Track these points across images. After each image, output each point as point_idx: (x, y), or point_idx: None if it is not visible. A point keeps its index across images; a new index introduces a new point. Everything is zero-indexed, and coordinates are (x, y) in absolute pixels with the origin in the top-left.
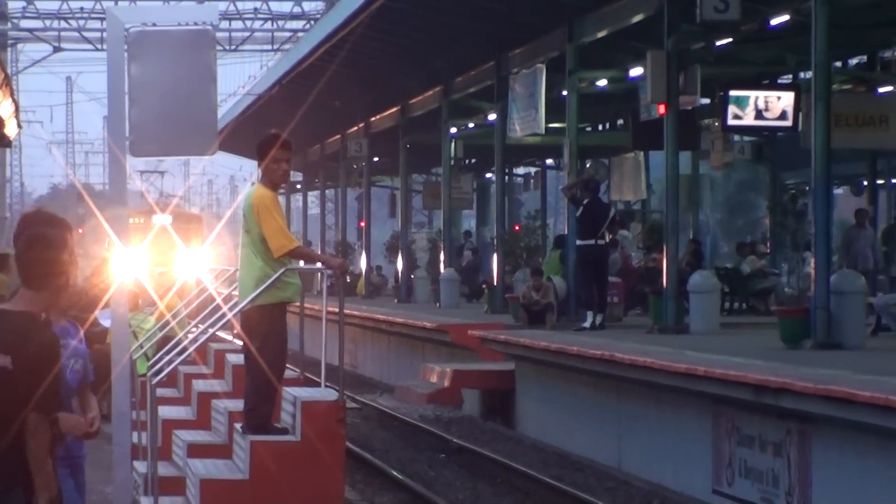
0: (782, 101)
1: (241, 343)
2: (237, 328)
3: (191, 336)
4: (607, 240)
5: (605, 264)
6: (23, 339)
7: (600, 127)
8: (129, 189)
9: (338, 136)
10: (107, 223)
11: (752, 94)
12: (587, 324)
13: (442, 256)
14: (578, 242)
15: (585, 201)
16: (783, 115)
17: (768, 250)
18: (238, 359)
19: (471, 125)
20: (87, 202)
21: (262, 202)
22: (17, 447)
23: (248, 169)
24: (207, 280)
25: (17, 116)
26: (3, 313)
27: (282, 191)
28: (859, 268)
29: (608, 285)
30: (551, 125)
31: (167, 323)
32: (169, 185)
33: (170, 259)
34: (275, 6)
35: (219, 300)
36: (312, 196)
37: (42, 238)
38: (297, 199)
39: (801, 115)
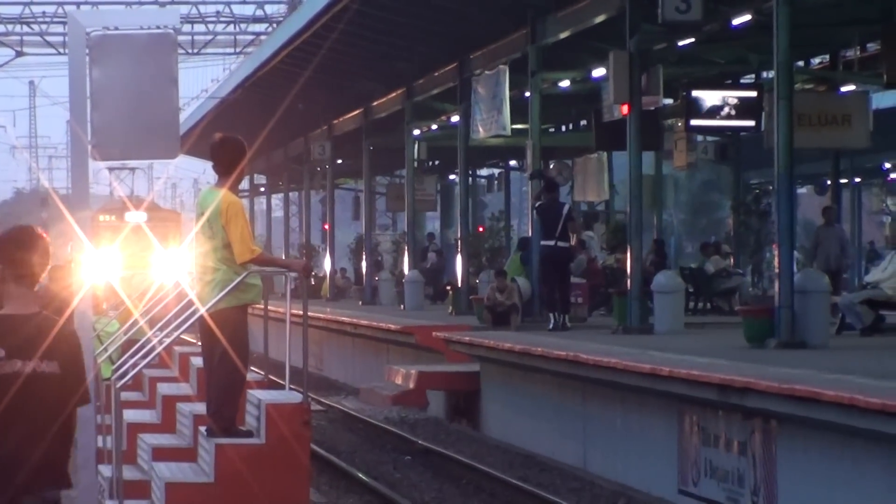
0: (745, 100)
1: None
2: (217, 332)
3: (155, 339)
4: (572, 240)
5: (566, 264)
6: (61, 344)
7: (563, 128)
8: (94, 193)
9: (301, 139)
10: (72, 224)
11: (714, 94)
12: (551, 325)
13: (406, 258)
14: (541, 243)
15: (537, 204)
16: (746, 115)
17: (732, 250)
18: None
19: (434, 127)
20: (55, 203)
21: (233, 209)
22: (68, 448)
23: (211, 172)
24: (186, 284)
25: None
26: (29, 318)
27: (245, 193)
28: (829, 267)
29: (570, 285)
30: (514, 126)
31: (131, 327)
32: (137, 185)
33: (145, 261)
34: (237, 9)
35: (196, 301)
36: (276, 199)
37: (38, 236)
38: (260, 202)
39: (763, 114)
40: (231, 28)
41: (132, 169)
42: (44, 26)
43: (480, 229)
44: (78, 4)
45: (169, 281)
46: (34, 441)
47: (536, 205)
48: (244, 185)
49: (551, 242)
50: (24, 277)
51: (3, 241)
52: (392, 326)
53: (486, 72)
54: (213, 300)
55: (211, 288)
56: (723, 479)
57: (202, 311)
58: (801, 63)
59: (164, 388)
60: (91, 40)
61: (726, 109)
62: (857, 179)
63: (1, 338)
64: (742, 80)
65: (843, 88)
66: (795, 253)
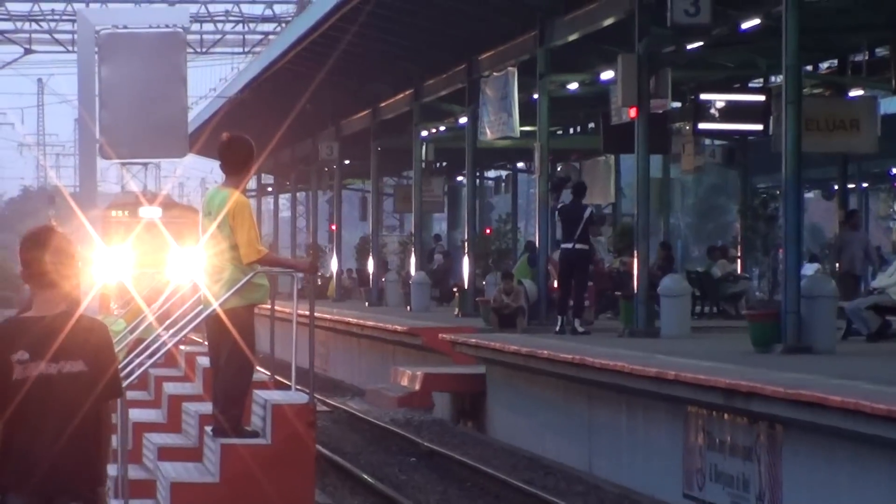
0: (753, 104)
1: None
2: (232, 330)
3: (162, 339)
4: (591, 243)
5: (583, 268)
6: (85, 341)
7: (571, 130)
8: (102, 190)
9: (309, 139)
10: (80, 223)
11: (723, 97)
12: (557, 328)
13: (413, 259)
14: (561, 245)
15: (560, 206)
16: (754, 119)
17: (739, 254)
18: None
19: (442, 128)
20: (62, 200)
21: (240, 209)
22: (100, 446)
23: (219, 171)
24: (202, 283)
25: None
26: (51, 319)
27: (253, 193)
28: (854, 271)
29: (585, 290)
30: (522, 128)
31: (137, 325)
32: (147, 182)
33: (160, 260)
34: (246, 9)
35: (211, 299)
36: (283, 199)
37: (66, 237)
38: (268, 202)
39: (771, 118)
40: (240, 27)
41: (145, 164)
42: (53, 24)
43: (487, 231)
44: (87, 2)
45: (185, 280)
46: (66, 441)
47: (559, 206)
48: (251, 184)
49: (570, 245)
50: (38, 277)
51: (21, 243)
52: (398, 328)
53: (495, 73)
54: (221, 299)
55: (218, 288)
56: (728, 483)
57: (209, 310)
58: (809, 67)
59: (170, 388)
60: (100, 38)
61: (735, 113)
62: (865, 184)
63: (23, 340)
64: (750, 84)
65: (852, 93)
66: (817, 265)
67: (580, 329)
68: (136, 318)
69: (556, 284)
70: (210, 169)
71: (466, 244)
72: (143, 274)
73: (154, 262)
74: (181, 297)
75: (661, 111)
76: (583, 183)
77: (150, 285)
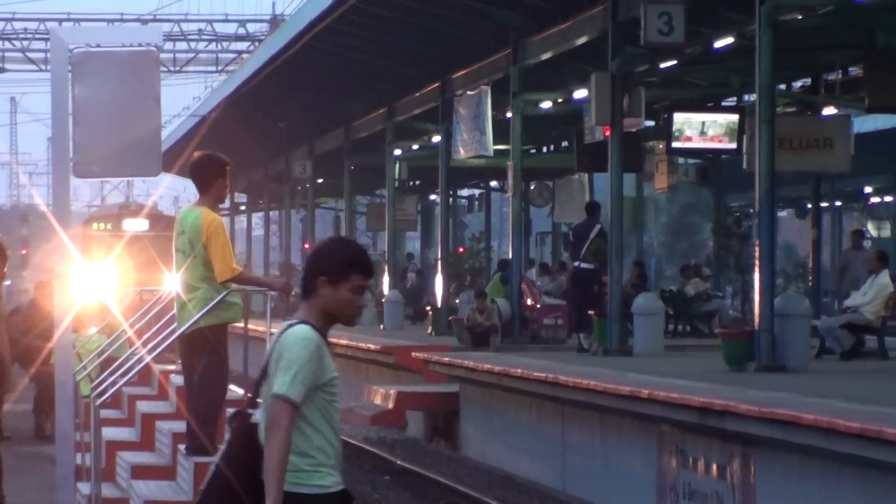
0: (727, 123)
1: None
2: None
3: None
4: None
5: (587, 287)
6: None
7: (545, 149)
8: (73, 209)
9: (282, 158)
10: (57, 240)
11: (696, 116)
12: (586, 345)
13: (386, 278)
14: (573, 265)
15: (574, 225)
16: (727, 138)
17: (711, 273)
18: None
19: (415, 147)
20: (36, 219)
21: (213, 227)
22: None
23: (192, 190)
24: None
25: None
26: None
27: (226, 212)
28: (858, 290)
29: (589, 307)
30: (496, 147)
31: (110, 344)
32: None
33: (147, 276)
34: (219, 27)
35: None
36: (256, 217)
37: None
38: (241, 221)
39: (745, 137)
40: (213, 46)
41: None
42: (26, 42)
43: (461, 250)
44: (60, 21)
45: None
46: None
47: (573, 226)
48: (224, 203)
49: (577, 264)
50: None
51: None
52: (371, 346)
53: (468, 92)
54: (194, 318)
55: (192, 306)
56: (702, 501)
57: (183, 329)
58: (782, 86)
59: (143, 406)
60: (74, 57)
61: (708, 132)
62: (838, 203)
63: None
64: (724, 103)
65: (825, 112)
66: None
67: (585, 345)
68: (112, 335)
69: (528, 303)
70: (184, 188)
71: (439, 263)
72: (140, 291)
73: (142, 279)
74: (156, 315)
75: (634, 130)
76: (595, 202)
77: (127, 303)
